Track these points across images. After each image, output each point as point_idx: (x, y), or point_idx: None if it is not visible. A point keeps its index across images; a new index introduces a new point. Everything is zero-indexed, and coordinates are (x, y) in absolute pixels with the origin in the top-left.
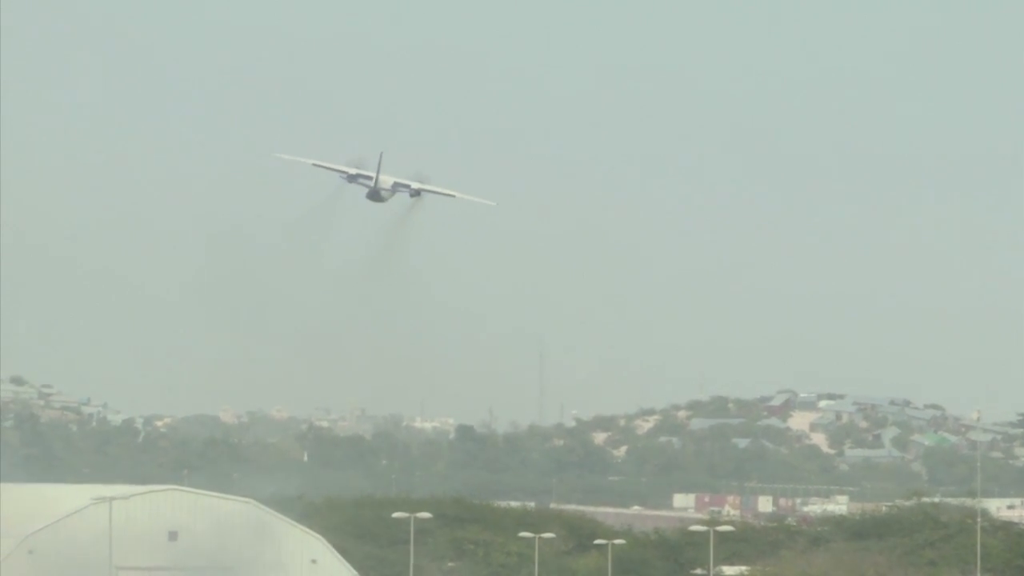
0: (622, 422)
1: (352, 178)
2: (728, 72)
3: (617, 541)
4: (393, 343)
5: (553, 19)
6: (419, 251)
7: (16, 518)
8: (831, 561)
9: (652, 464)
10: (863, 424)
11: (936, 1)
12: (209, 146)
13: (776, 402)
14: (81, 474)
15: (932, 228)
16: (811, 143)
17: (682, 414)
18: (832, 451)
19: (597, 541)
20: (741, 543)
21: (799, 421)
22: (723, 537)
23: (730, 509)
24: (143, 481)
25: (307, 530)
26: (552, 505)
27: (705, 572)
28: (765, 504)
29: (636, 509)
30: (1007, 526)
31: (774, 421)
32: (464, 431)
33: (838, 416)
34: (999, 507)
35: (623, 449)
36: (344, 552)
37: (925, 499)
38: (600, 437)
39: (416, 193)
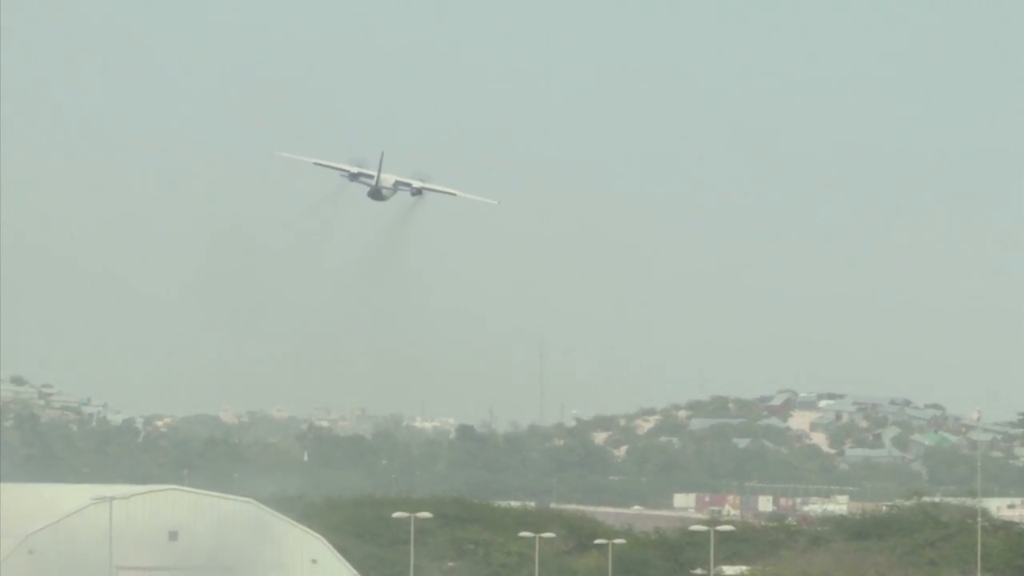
0: (622, 422)
1: (354, 177)
2: (728, 72)
3: (617, 541)
4: (393, 343)
5: (553, 19)
6: (419, 251)
7: (16, 518)
8: (831, 561)
9: (652, 464)
10: (863, 424)
11: (936, 1)
12: (209, 146)
13: (776, 402)
14: (81, 474)
15: (932, 228)
16: (811, 143)
17: (682, 414)
18: (832, 451)
19: (597, 541)
20: (741, 543)
21: (799, 421)
22: (723, 537)
23: (730, 509)
24: (143, 481)
25: (307, 530)
26: (552, 505)
27: (705, 572)
28: (765, 504)
29: (636, 509)
30: (1007, 526)
31: (774, 421)
32: (464, 431)
33: (838, 416)
34: (999, 507)
35: (623, 449)
36: (344, 552)
37: (925, 499)
38: (600, 437)
39: (418, 192)
